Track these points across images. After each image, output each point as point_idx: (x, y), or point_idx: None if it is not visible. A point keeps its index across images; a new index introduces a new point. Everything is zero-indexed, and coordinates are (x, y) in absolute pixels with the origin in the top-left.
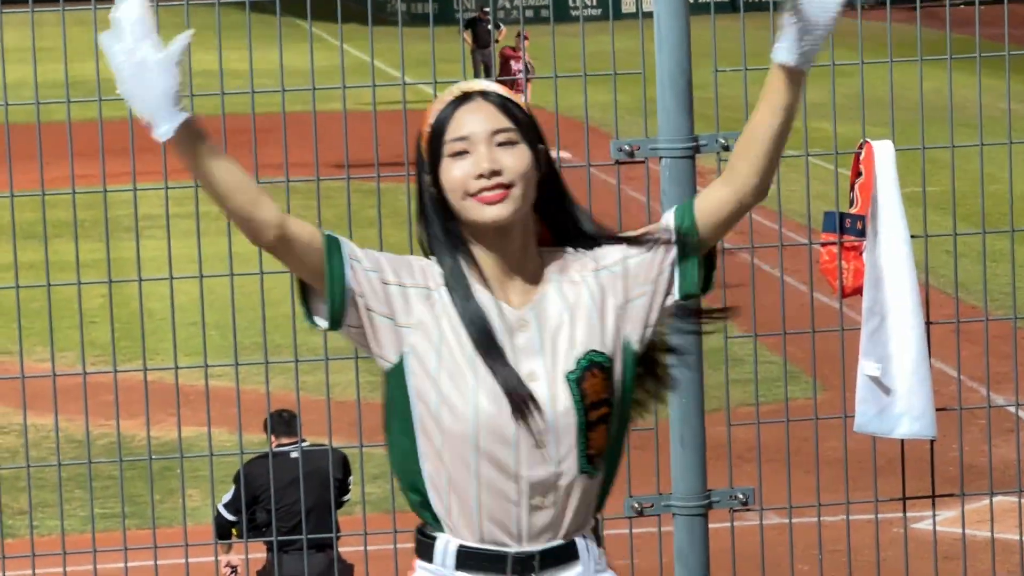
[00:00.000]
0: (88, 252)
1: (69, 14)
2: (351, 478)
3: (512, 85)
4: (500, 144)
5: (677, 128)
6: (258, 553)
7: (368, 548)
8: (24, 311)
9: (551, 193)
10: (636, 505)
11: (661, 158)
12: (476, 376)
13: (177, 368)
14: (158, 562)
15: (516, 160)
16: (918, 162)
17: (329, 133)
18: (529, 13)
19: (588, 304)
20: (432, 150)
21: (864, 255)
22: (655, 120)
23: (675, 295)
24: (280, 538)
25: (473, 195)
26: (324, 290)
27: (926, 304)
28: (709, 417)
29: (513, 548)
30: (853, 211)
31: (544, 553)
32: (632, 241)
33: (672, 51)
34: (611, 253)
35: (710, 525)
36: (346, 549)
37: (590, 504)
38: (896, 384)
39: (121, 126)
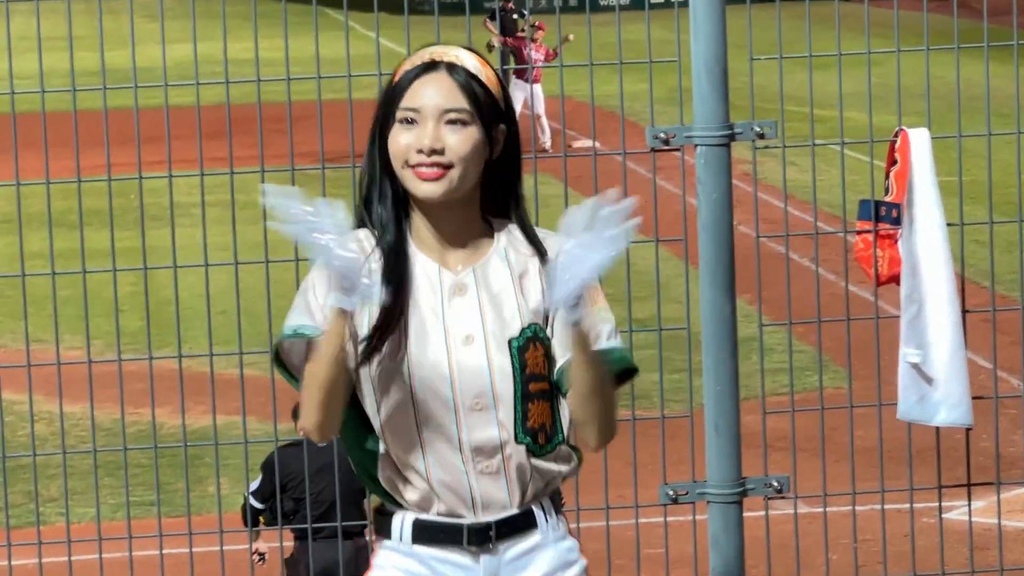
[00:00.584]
0: (118, 240)
1: (104, 3)
2: None
3: (523, 73)
4: (449, 122)
5: (713, 116)
6: (287, 542)
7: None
8: (51, 299)
9: (505, 174)
10: (671, 492)
11: (696, 146)
12: (406, 344)
13: (212, 355)
14: (193, 549)
15: (461, 142)
16: (952, 151)
17: (363, 121)
18: (559, 2)
19: (538, 281)
20: (386, 110)
21: (900, 243)
22: (689, 109)
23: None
24: (312, 525)
25: (412, 166)
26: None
27: (961, 293)
28: (742, 406)
29: (468, 519)
30: (888, 199)
31: (500, 523)
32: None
33: (708, 39)
34: (551, 245)
35: (744, 513)
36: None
37: (545, 479)
38: (935, 372)
39: (155, 114)
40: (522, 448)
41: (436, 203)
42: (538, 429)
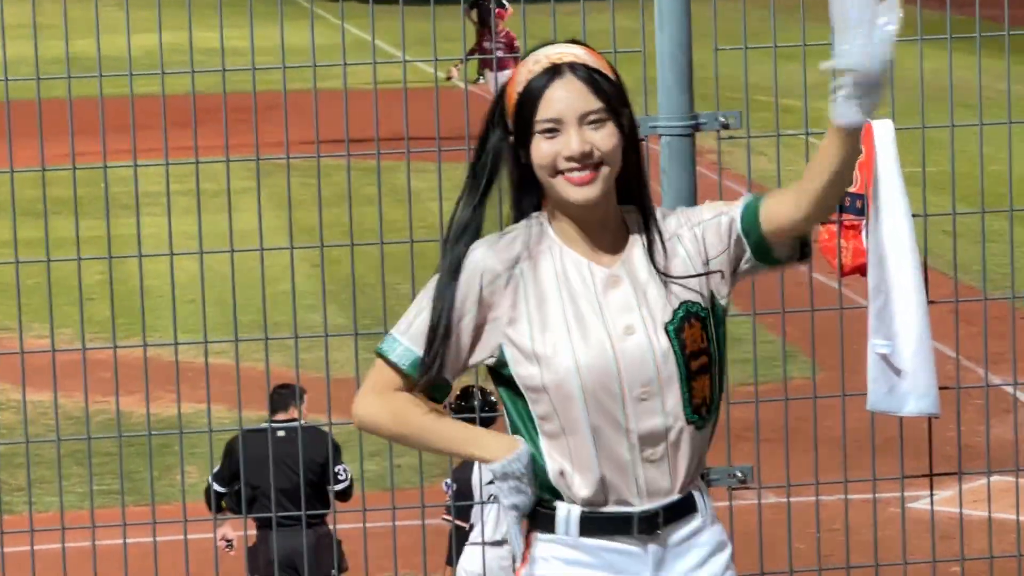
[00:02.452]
0: (86, 229)
1: None
2: (341, 466)
3: (487, 63)
4: (590, 123)
5: (677, 106)
6: (250, 531)
7: (367, 525)
8: (22, 287)
9: (630, 155)
10: None
11: (661, 136)
12: (571, 338)
13: (177, 344)
14: (157, 538)
15: (606, 140)
16: (917, 142)
17: (329, 111)
18: None
19: (682, 259)
20: (521, 123)
21: (865, 234)
22: (654, 99)
23: (749, 258)
24: (277, 515)
25: (563, 173)
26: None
27: (925, 283)
28: None
29: (636, 507)
30: (852, 189)
31: (666, 509)
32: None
33: (672, 29)
34: (687, 216)
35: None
36: (345, 527)
37: (699, 455)
38: (902, 362)
39: (121, 103)
40: (690, 427)
41: (588, 205)
42: (701, 404)
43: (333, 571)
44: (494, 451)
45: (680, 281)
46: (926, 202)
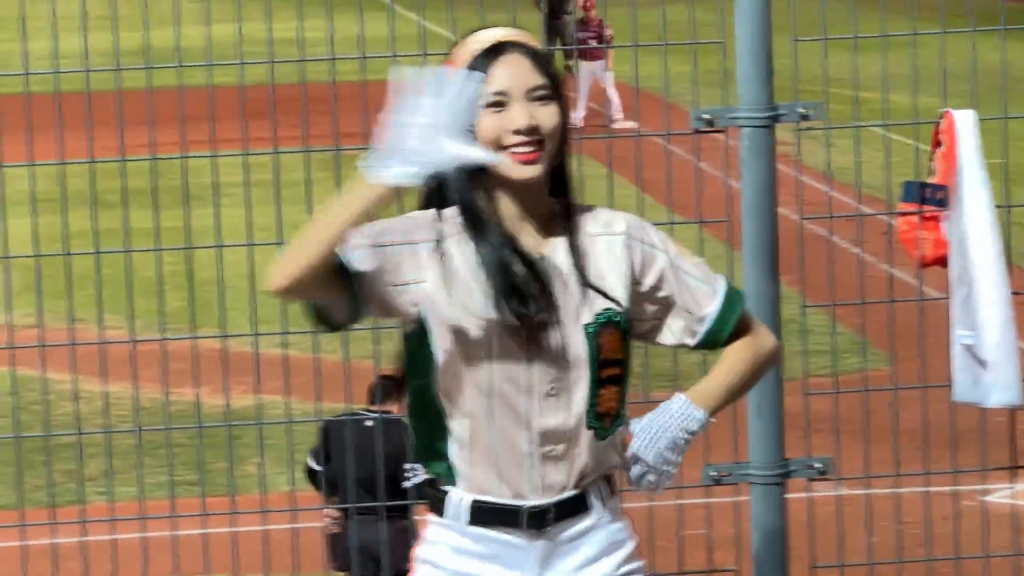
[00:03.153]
0: (162, 220)
1: None
2: (413, 464)
3: (587, 53)
4: (536, 99)
5: (756, 98)
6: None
7: None
8: (93, 278)
9: (561, 145)
10: (713, 473)
11: (741, 127)
12: (490, 322)
13: (257, 335)
14: (236, 529)
15: (551, 117)
16: (996, 133)
17: None
18: None
19: (615, 264)
20: None
21: (945, 225)
22: (732, 91)
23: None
24: (356, 505)
25: (506, 148)
26: (343, 292)
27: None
28: (784, 387)
29: (528, 501)
30: (933, 180)
31: (557, 505)
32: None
33: (752, 20)
34: (622, 224)
35: (786, 495)
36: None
37: (600, 461)
38: (986, 353)
39: (200, 93)
40: (590, 433)
41: (530, 185)
42: (605, 414)
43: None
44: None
45: (604, 285)
46: (1007, 194)
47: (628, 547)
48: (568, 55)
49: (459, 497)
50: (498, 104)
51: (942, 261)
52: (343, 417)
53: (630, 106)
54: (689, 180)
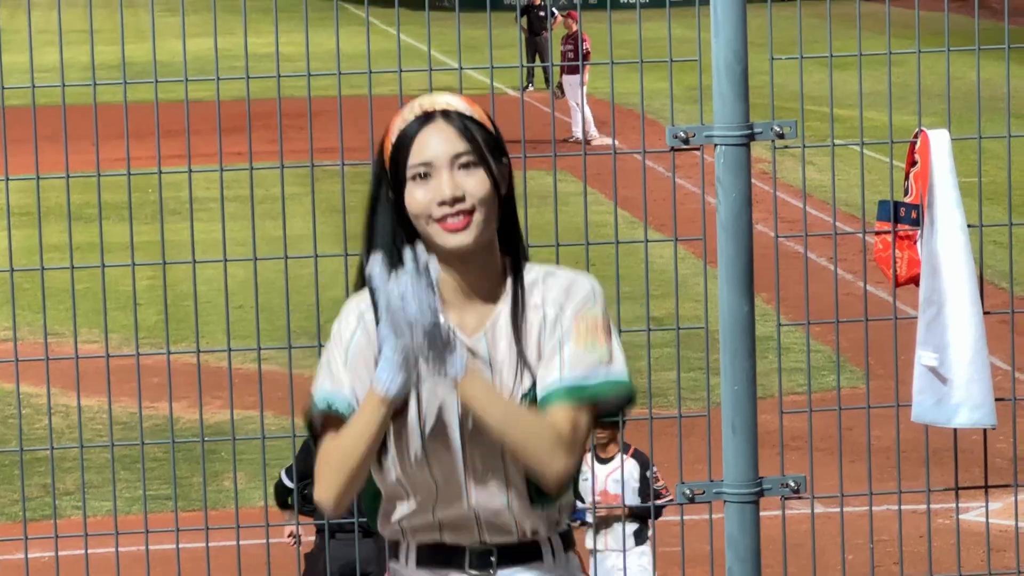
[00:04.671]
0: (137, 234)
1: None
2: None
3: (576, 69)
4: (462, 167)
5: (733, 115)
6: (309, 536)
7: None
8: (67, 292)
9: (507, 208)
10: (687, 491)
11: (716, 145)
12: (422, 411)
13: (230, 351)
14: (209, 544)
15: (477, 185)
16: (972, 152)
17: (383, 117)
18: None
19: (538, 336)
20: (395, 171)
21: (919, 244)
22: (709, 108)
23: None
24: (332, 522)
25: (437, 220)
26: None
27: (981, 294)
28: (759, 405)
29: (472, 541)
30: (908, 200)
31: (502, 548)
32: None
33: (728, 38)
34: (561, 293)
35: (761, 513)
36: None
37: (550, 521)
38: (953, 374)
39: (174, 108)
40: (535, 507)
41: (463, 253)
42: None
43: None
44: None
45: (530, 363)
46: (982, 213)
47: None
48: (548, 73)
49: (407, 542)
50: (424, 175)
51: (916, 280)
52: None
53: (605, 122)
54: (666, 196)
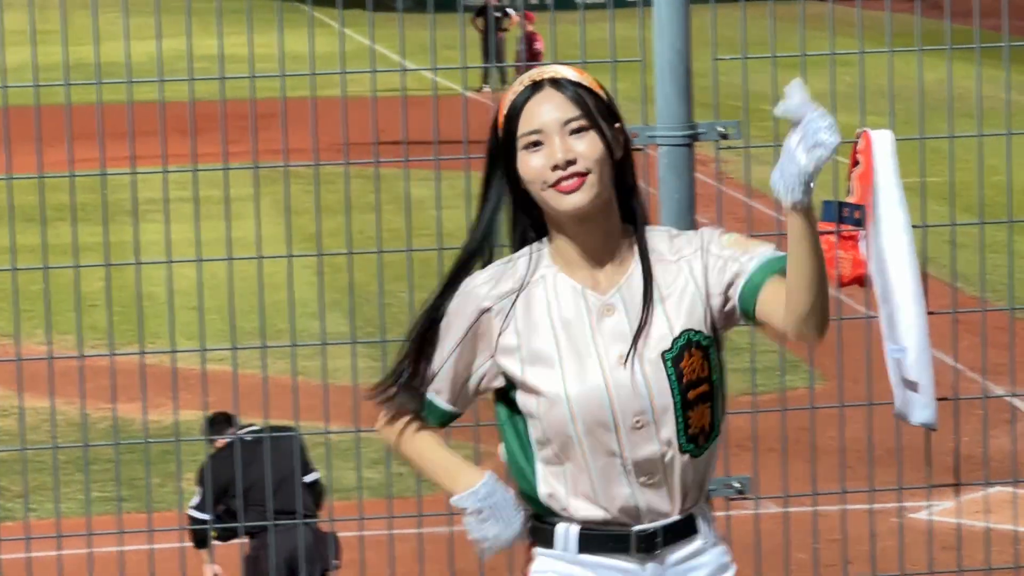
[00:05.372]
0: (87, 236)
1: None
2: (310, 458)
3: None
4: (572, 132)
5: (675, 116)
6: (240, 540)
7: (364, 533)
8: (23, 294)
9: (625, 171)
10: None
11: (659, 146)
12: (562, 369)
13: (175, 352)
14: (154, 546)
15: (589, 147)
16: (917, 153)
17: (329, 118)
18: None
19: (686, 284)
20: (508, 142)
21: (863, 244)
22: (653, 108)
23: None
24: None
25: (552, 185)
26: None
27: (925, 294)
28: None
29: (635, 526)
30: (850, 200)
31: (665, 529)
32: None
33: (671, 38)
34: (695, 241)
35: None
36: (344, 534)
37: (699, 479)
38: (907, 371)
39: (120, 109)
40: (685, 456)
41: (582, 215)
42: (698, 433)
43: (335, 561)
44: (459, 485)
45: (679, 309)
46: (926, 212)
47: (732, 570)
48: (504, 73)
49: (565, 527)
50: (536, 144)
51: (860, 280)
52: (217, 454)
53: None
54: None
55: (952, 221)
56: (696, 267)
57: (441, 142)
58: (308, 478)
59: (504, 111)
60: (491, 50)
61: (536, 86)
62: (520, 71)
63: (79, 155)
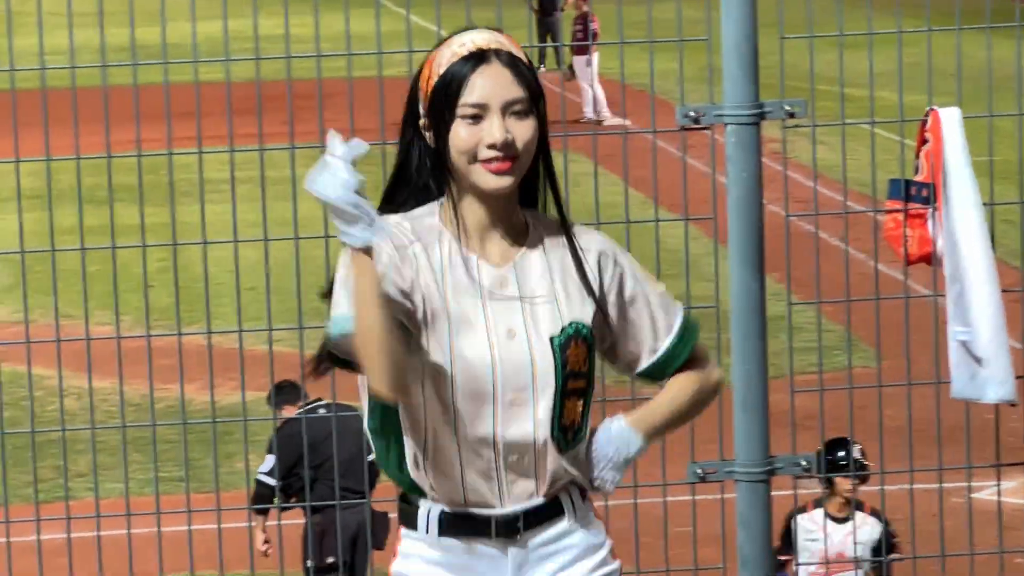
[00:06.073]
0: (147, 216)
1: None
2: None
3: (586, 49)
4: (513, 114)
5: (743, 94)
6: (300, 519)
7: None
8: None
9: (541, 155)
10: (699, 471)
11: (726, 125)
12: (449, 333)
13: (241, 331)
14: (222, 525)
15: (526, 132)
16: (982, 131)
17: (394, 98)
18: None
19: (583, 277)
20: (439, 104)
21: (930, 223)
22: (719, 88)
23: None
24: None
25: (481, 161)
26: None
27: None
28: (770, 384)
29: (496, 510)
30: (919, 178)
31: (527, 513)
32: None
33: (738, 18)
34: (596, 239)
35: (772, 492)
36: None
37: (567, 470)
38: (980, 350)
39: (185, 90)
40: (553, 444)
41: (500, 194)
42: (568, 426)
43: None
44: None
45: (573, 298)
46: (994, 191)
47: (604, 550)
48: (559, 53)
49: (427, 508)
50: (475, 117)
51: (927, 258)
52: (291, 420)
53: (616, 102)
54: (676, 176)
55: (1021, 199)
56: (592, 265)
57: None
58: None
59: (438, 72)
60: (554, 31)
61: (481, 56)
62: (575, 51)
63: (128, 136)
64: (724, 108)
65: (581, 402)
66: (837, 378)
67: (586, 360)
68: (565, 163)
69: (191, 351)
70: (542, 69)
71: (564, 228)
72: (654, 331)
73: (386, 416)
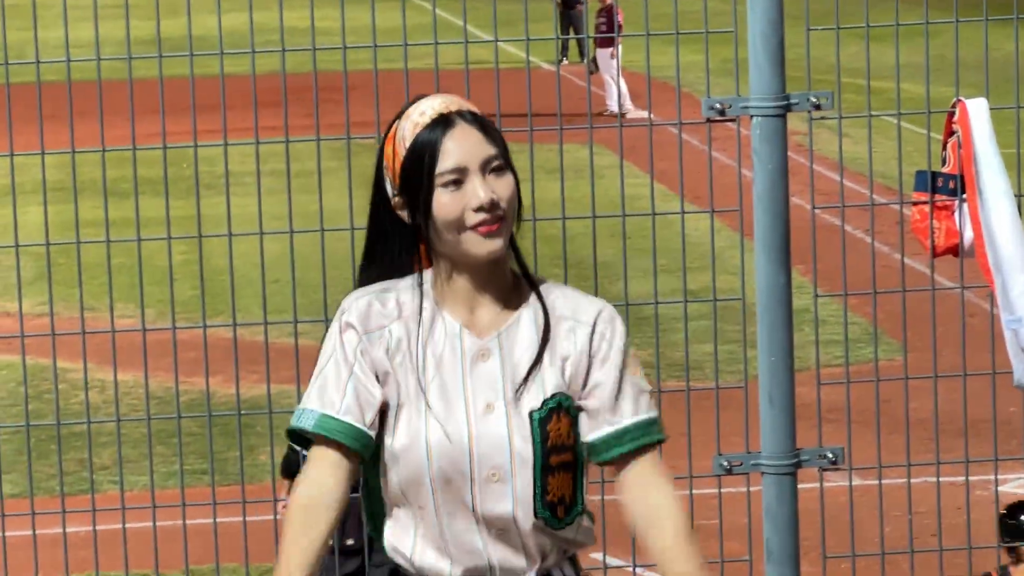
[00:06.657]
0: (172, 209)
1: None
2: None
3: (610, 42)
4: (492, 171)
5: (769, 86)
6: None
7: None
8: (105, 267)
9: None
10: (725, 463)
11: (752, 117)
12: (427, 410)
13: (267, 324)
14: (247, 518)
15: (506, 189)
16: (1008, 123)
17: (418, 91)
18: None
19: (572, 350)
20: (413, 178)
21: (957, 214)
22: (745, 80)
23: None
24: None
25: (472, 227)
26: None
27: None
28: (796, 377)
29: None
30: (945, 170)
31: None
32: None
33: (764, 9)
34: (592, 310)
35: (798, 484)
36: None
37: (561, 545)
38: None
39: (211, 83)
40: (540, 521)
41: (494, 259)
42: (557, 503)
43: None
44: None
45: (558, 371)
46: (1021, 183)
47: None
48: (582, 46)
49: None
50: (456, 182)
51: (953, 250)
52: None
53: (641, 95)
54: (702, 169)
55: None
56: (583, 338)
57: (519, 115)
58: None
59: (406, 144)
60: (577, 23)
61: (445, 120)
62: (598, 43)
63: (152, 129)
64: (750, 100)
65: (570, 476)
66: (862, 370)
67: (569, 433)
68: (591, 156)
69: (215, 344)
70: (565, 62)
71: (537, 296)
72: (617, 410)
73: (373, 490)
